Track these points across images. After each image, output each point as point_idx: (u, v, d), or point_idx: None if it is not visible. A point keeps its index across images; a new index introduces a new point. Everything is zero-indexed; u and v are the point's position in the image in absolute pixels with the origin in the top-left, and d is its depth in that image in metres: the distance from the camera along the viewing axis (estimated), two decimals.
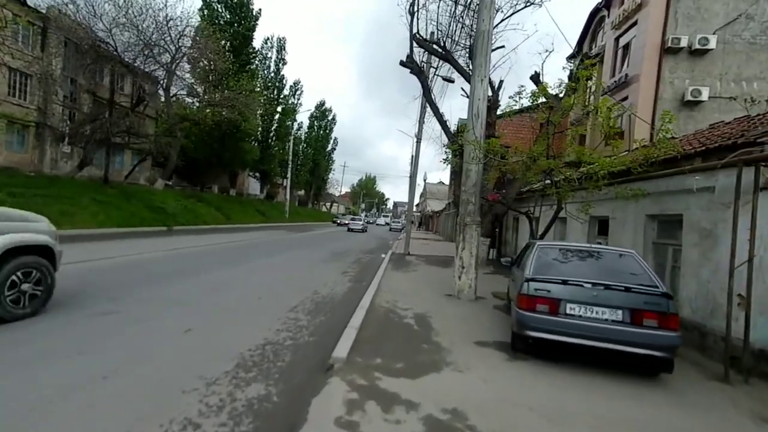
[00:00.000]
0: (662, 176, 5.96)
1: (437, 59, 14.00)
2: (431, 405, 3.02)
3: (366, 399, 3.05)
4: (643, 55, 13.81)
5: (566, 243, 6.69)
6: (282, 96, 40.12)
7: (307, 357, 3.94)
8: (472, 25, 11.98)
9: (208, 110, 24.68)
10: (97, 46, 18.52)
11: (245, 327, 4.73)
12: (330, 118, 55.98)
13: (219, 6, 29.17)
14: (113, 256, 9.08)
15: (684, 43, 13.26)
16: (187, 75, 23.71)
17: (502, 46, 11.81)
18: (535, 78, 9.95)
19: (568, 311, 3.99)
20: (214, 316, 5.07)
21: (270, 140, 38.69)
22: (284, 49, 38.80)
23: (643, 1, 13.93)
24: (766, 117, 6.19)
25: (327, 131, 56.22)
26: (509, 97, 9.14)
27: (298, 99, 43.51)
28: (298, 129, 47.92)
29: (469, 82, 9.02)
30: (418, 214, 65.52)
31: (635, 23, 14.50)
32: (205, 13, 28.18)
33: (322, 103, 54.88)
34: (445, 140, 13.54)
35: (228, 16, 29.36)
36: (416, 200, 57.01)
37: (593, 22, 18.42)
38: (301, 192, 56.40)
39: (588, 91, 12.81)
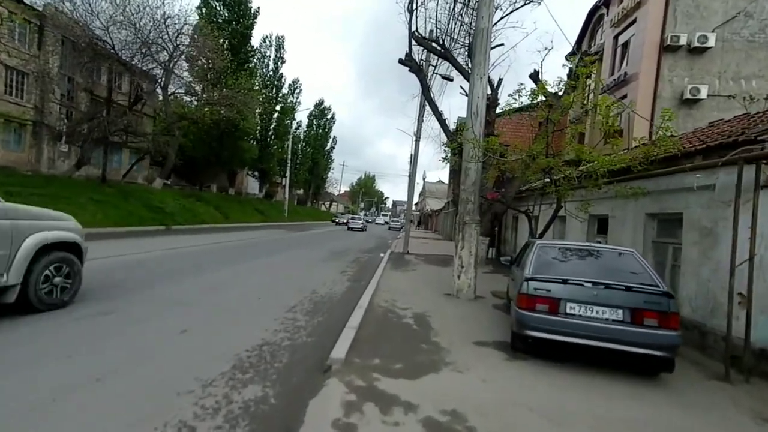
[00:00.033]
0: (662, 174, 5.93)
1: (436, 57, 13.96)
2: (430, 406, 2.99)
3: (364, 400, 3.02)
4: (642, 53, 13.79)
5: (566, 242, 6.67)
6: (281, 95, 40.05)
7: (305, 358, 3.90)
8: (471, 23, 11.93)
9: (206, 109, 24.60)
10: (94, 44, 18.42)
11: (243, 327, 4.69)
12: (329, 116, 55.92)
13: (217, 4, 29.07)
14: (111, 255, 9.02)
15: (683, 41, 13.23)
16: (186, 73, 23.63)
17: (501, 44, 11.78)
18: (534, 76, 9.90)
19: (568, 311, 3.96)
20: (212, 316, 5.03)
21: (269, 139, 38.59)
22: (283, 48, 38.73)
23: None
24: (766, 114, 6.16)
25: (326, 130, 56.13)
26: (509, 95, 9.11)
27: (297, 98, 43.46)
28: (297, 128, 47.86)
29: (468, 80, 8.99)
30: (417, 213, 65.47)
31: (634, 21, 14.46)
32: (203, 11, 28.08)
33: (321, 102, 54.82)
34: (444, 139, 13.50)
35: (226, 14, 29.27)
36: (415, 199, 56.96)
37: (592, 21, 18.38)
38: (300, 191, 56.32)
39: (587, 89, 12.77)
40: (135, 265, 8.20)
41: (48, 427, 2.43)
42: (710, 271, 4.96)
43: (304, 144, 50.79)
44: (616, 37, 15.69)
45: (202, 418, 2.62)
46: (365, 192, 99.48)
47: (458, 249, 7.24)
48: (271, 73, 38.37)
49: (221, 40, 24.99)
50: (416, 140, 17.41)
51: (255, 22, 30.71)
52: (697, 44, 13.14)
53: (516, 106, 7.96)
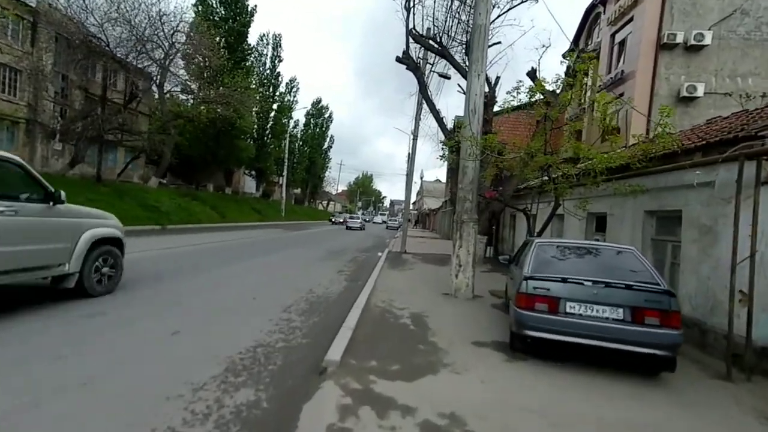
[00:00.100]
0: (661, 172, 5.89)
1: (434, 55, 13.89)
2: (428, 409, 2.91)
3: (360, 404, 2.94)
4: (638, 51, 13.76)
5: (565, 240, 6.61)
6: (278, 93, 39.85)
7: (300, 360, 3.81)
8: (468, 21, 11.87)
9: (202, 107, 24.37)
10: (88, 42, 18.15)
11: (237, 328, 4.59)
12: (326, 115, 55.77)
13: (213, 1, 28.84)
14: None
15: (680, 39, 13.21)
16: (181, 71, 23.37)
17: (499, 42, 11.77)
18: (532, 74, 9.86)
19: (567, 310, 3.90)
20: (206, 317, 4.94)
21: (266, 138, 38.38)
22: (280, 46, 38.51)
23: None
24: (765, 111, 6.12)
25: (323, 129, 55.98)
26: (507, 93, 9.05)
27: (294, 96, 43.30)
28: (295, 126, 47.63)
29: (465, 78, 8.91)
30: (415, 212, 65.45)
31: (631, 19, 14.43)
32: (200, 8, 27.80)
33: (318, 101, 54.65)
34: (442, 137, 13.45)
35: (223, 12, 29.04)
36: (413, 198, 56.91)
37: (589, 19, 18.34)
38: (298, 190, 56.12)
39: (585, 86, 12.73)
40: (129, 265, 8.04)
41: None
42: (710, 269, 4.92)
43: (301, 143, 50.60)
44: (612, 35, 15.65)
45: (191, 424, 2.52)
46: (363, 191, 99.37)
47: (456, 248, 7.17)
48: (268, 71, 38.15)
49: (217, 38, 24.75)
50: (414, 139, 17.35)
51: (252, 20, 30.49)
52: (693, 42, 13.12)
53: (514, 104, 7.89)
